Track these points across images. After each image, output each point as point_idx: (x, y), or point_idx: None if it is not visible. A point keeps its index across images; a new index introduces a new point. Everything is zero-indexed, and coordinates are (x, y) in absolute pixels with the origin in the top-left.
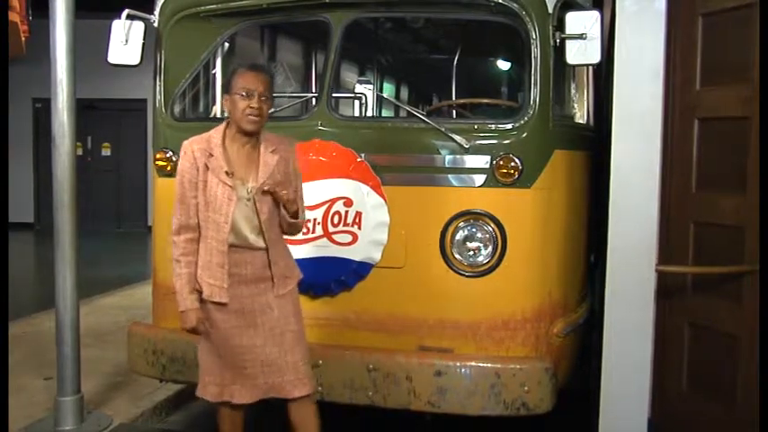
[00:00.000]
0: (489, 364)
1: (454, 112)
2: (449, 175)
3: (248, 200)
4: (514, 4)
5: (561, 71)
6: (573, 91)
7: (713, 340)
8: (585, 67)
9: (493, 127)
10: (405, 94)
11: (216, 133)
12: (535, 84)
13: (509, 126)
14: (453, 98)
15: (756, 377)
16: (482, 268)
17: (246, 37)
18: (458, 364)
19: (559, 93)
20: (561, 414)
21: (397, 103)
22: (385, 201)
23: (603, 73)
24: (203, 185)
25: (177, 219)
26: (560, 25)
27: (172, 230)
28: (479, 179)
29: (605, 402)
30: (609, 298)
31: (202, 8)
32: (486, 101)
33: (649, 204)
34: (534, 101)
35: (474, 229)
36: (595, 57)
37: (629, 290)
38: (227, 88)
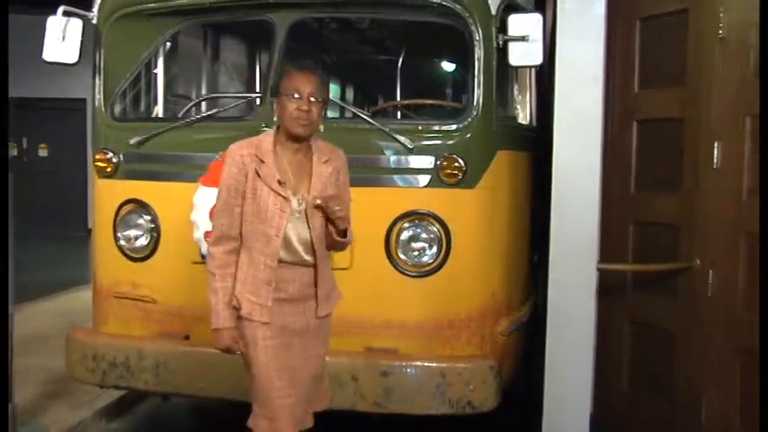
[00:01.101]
0: (435, 364)
1: (399, 113)
2: (393, 176)
3: (299, 213)
4: (458, 6)
5: (504, 72)
6: (516, 92)
7: (652, 336)
8: (528, 69)
9: (437, 128)
10: (350, 94)
11: (266, 138)
12: (478, 85)
13: (453, 127)
14: (398, 99)
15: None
16: (427, 268)
17: (189, 36)
18: (403, 364)
19: (503, 94)
20: (507, 413)
21: (342, 103)
22: None
23: (546, 74)
24: (252, 194)
25: (219, 228)
26: (503, 27)
27: (209, 240)
28: (424, 180)
29: (548, 399)
30: (551, 296)
31: (143, 6)
32: (430, 102)
33: (590, 204)
34: (478, 102)
35: (419, 230)
36: (537, 58)
37: (571, 288)
38: (275, 91)
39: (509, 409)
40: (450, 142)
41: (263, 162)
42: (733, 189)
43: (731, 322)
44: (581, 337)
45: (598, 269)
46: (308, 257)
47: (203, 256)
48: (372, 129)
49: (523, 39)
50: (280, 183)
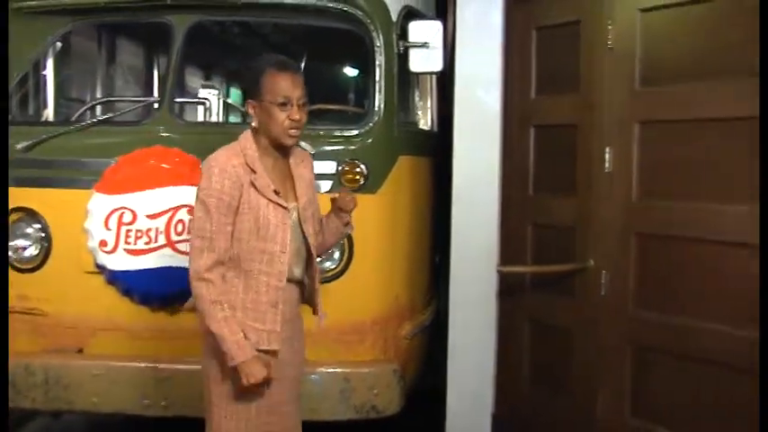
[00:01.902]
0: (339, 369)
1: None
2: None
3: (294, 223)
4: (359, 12)
5: (406, 78)
6: (417, 98)
7: (551, 335)
8: (429, 75)
9: (339, 133)
10: None
11: (248, 145)
12: (380, 90)
13: (354, 132)
14: None
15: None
16: (329, 274)
17: (83, 37)
18: (307, 370)
19: (404, 100)
20: (414, 415)
21: (242, 108)
22: None
23: (448, 80)
24: (248, 209)
25: (212, 253)
26: (404, 34)
27: (199, 267)
28: (326, 185)
29: (451, 400)
30: (453, 299)
31: (27, 3)
32: (332, 107)
33: (490, 208)
34: (379, 107)
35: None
36: (438, 65)
37: (472, 290)
38: (252, 92)
39: (414, 411)
40: (352, 147)
41: (254, 172)
42: (623, 192)
43: (623, 319)
44: (482, 339)
45: (498, 271)
46: (297, 272)
47: (99, 266)
48: None
49: (424, 45)
50: (276, 192)
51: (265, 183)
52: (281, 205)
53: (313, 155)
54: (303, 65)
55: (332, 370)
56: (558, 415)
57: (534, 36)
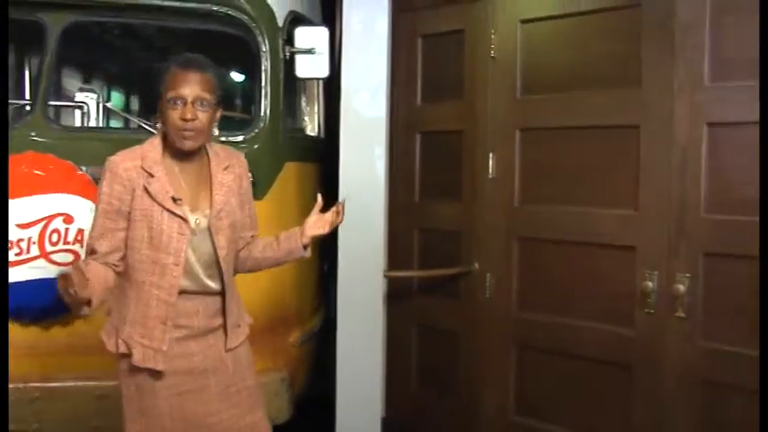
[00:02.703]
0: None
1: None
2: None
3: (201, 231)
4: (244, 17)
5: (292, 84)
6: (304, 104)
7: (438, 338)
8: (316, 81)
9: (223, 139)
10: (135, 104)
11: (151, 147)
12: (265, 96)
13: (240, 138)
14: None
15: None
16: None
17: None
18: None
19: (291, 105)
20: (304, 424)
21: (122, 113)
22: None
23: (335, 86)
24: (141, 216)
25: (96, 252)
26: (290, 39)
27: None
28: None
29: (340, 404)
30: (341, 304)
31: None
32: None
33: (377, 213)
34: (265, 113)
35: None
36: (324, 71)
37: (359, 296)
38: (158, 94)
39: (305, 419)
40: None
41: (151, 176)
42: (505, 197)
43: (506, 320)
44: (370, 343)
45: (385, 276)
46: (211, 283)
47: None
48: None
49: (310, 51)
50: (174, 200)
51: (161, 189)
52: (177, 214)
53: None
54: None
55: None
56: (446, 416)
57: (420, 44)
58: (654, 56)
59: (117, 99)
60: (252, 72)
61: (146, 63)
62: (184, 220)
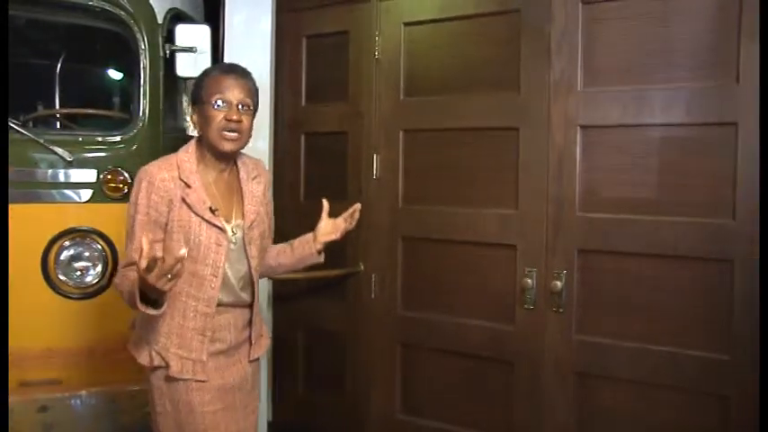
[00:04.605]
0: (102, 390)
1: (59, 123)
2: (51, 191)
3: (235, 243)
4: (122, 13)
5: (174, 83)
6: (185, 103)
7: (325, 340)
8: None
9: (100, 139)
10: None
11: (186, 156)
12: (144, 95)
13: (118, 138)
14: (57, 107)
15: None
16: (91, 289)
17: None
18: (66, 395)
19: (172, 105)
20: None
21: None
22: None
23: None
24: (179, 228)
25: (134, 264)
26: (171, 37)
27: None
28: (86, 194)
29: None
30: None
31: None
32: (93, 111)
33: None
34: (144, 113)
35: (81, 248)
36: None
37: None
38: (195, 98)
39: None
40: (115, 155)
41: (188, 187)
42: (390, 198)
43: (392, 320)
44: None
45: (270, 278)
46: (244, 295)
47: None
48: (25, 139)
49: (191, 50)
50: (212, 210)
51: (199, 199)
52: (215, 225)
53: (71, 162)
54: (60, 65)
55: (94, 392)
56: (334, 418)
57: (304, 44)
58: (531, 61)
59: None
60: (131, 70)
61: (19, 58)
62: (222, 230)
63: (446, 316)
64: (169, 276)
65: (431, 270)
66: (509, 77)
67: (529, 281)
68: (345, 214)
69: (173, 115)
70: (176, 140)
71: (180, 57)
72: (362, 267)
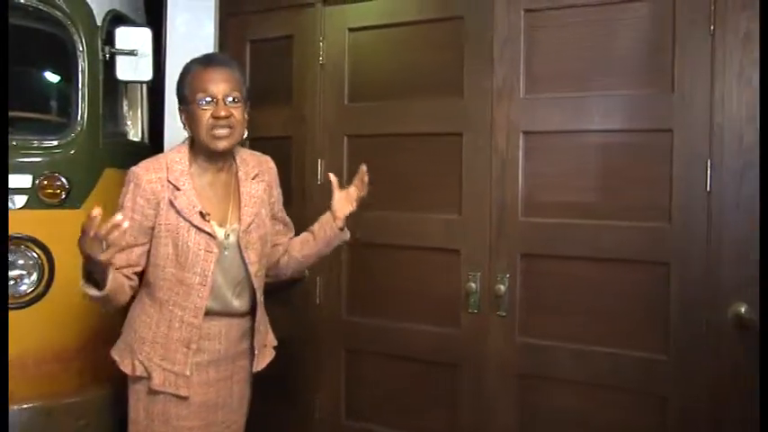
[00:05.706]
0: (36, 404)
1: None
2: None
3: (229, 247)
4: (58, 13)
5: (113, 87)
6: (126, 108)
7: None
8: (140, 84)
9: (36, 144)
10: None
11: (177, 157)
12: (83, 99)
13: (54, 143)
14: None
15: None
16: (26, 298)
17: None
18: None
19: (112, 109)
20: None
21: None
22: None
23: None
24: (166, 232)
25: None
26: (111, 40)
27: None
28: (20, 200)
29: None
30: None
31: None
32: (28, 114)
33: None
34: (82, 117)
35: (15, 256)
36: (147, 74)
37: None
38: (179, 98)
39: None
40: (51, 160)
41: (177, 189)
42: None
43: (337, 325)
44: None
45: None
46: (237, 303)
47: None
48: None
49: (132, 53)
50: (202, 215)
51: (188, 203)
52: (204, 231)
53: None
54: None
55: (26, 406)
56: (280, 425)
57: (248, 49)
58: (474, 67)
59: None
60: (69, 73)
61: None
62: (212, 236)
63: (391, 321)
64: (105, 246)
65: (376, 275)
66: (452, 84)
67: (473, 285)
68: (356, 180)
69: (113, 119)
70: (116, 145)
71: (120, 60)
72: (307, 273)
